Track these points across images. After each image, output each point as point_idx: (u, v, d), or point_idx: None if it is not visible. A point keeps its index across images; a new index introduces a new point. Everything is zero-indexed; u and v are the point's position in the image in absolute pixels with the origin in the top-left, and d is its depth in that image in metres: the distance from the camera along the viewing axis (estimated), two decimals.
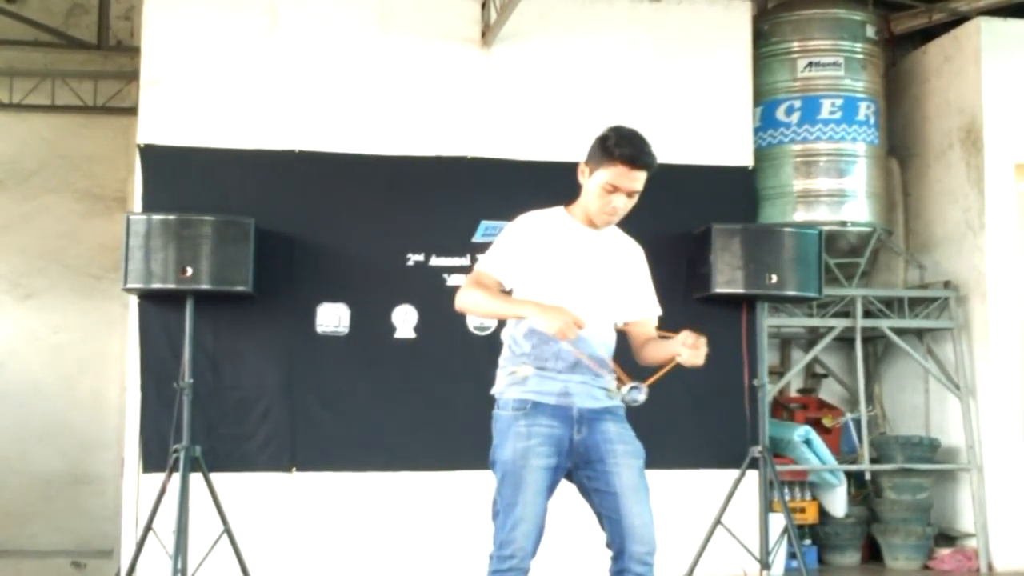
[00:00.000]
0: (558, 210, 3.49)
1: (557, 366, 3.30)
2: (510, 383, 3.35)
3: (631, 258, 3.54)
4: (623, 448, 3.32)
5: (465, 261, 6.11)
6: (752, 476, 5.78)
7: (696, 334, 3.23)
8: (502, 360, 3.44)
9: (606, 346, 3.40)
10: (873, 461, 7.00)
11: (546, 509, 3.27)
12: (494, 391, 3.43)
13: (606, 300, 3.41)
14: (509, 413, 3.32)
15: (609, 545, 3.28)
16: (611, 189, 3.33)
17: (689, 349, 3.20)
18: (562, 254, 3.38)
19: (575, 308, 3.18)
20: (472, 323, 6.03)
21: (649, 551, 3.22)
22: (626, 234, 3.57)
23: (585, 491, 3.35)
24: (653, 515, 3.27)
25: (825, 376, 7.87)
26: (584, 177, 3.40)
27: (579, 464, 3.33)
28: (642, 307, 3.53)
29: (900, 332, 7.21)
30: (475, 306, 3.38)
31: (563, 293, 3.28)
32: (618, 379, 3.30)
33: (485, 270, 3.40)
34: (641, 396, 3.24)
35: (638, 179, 3.33)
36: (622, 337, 3.51)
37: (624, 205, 3.37)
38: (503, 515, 3.24)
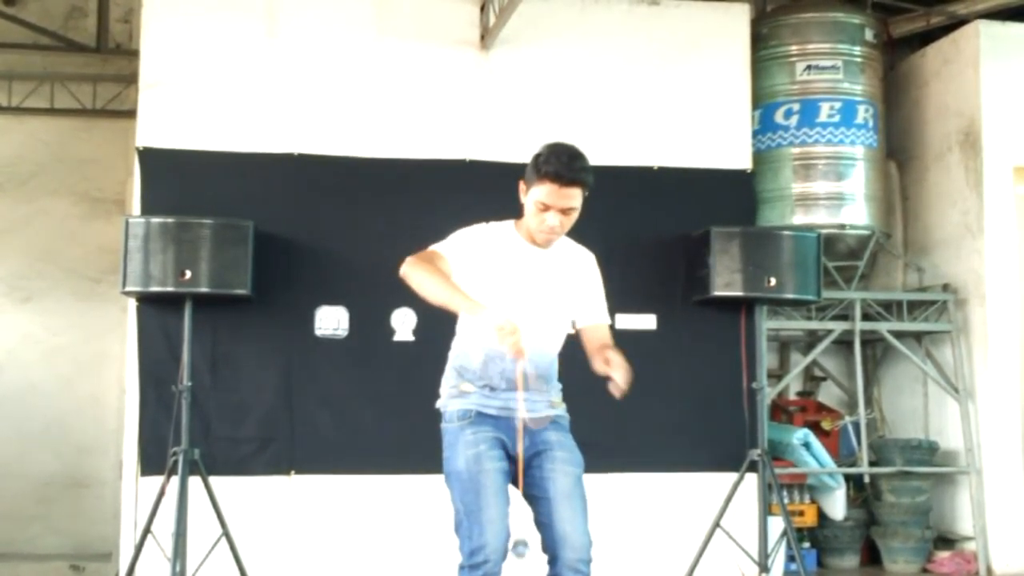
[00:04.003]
0: (507, 225, 3.48)
1: (501, 385, 3.35)
2: (452, 395, 3.43)
3: (579, 267, 3.52)
4: (561, 455, 3.37)
5: None
6: (751, 479, 5.77)
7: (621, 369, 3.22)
8: (446, 374, 3.51)
9: (547, 364, 3.42)
10: (872, 464, 7.00)
11: (508, 510, 3.29)
12: (438, 405, 3.50)
13: (546, 318, 3.39)
14: (455, 424, 3.40)
15: (545, 550, 3.30)
16: (543, 207, 3.30)
17: (620, 380, 3.20)
18: (502, 273, 3.37)
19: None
20: None
21: (581, 558, 3.24)
22: (577, 243, 3.54)
23: (526, 497, 3.39)
24: (587, 523, 3.29)
25: (824, 379, 7.87)
26: (523, 195, 3.39)
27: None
28: (589, 313, 3.50)
29: (899, 335, 7.21)
30: (424, 286, 3.26)
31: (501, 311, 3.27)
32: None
33: (439, 251, 3.37)
34: (526, 551, 3.23)
35: (570, 196, 3.28)
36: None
37: (560, 223, 3.33)
38: (469, 523, 3.26)
